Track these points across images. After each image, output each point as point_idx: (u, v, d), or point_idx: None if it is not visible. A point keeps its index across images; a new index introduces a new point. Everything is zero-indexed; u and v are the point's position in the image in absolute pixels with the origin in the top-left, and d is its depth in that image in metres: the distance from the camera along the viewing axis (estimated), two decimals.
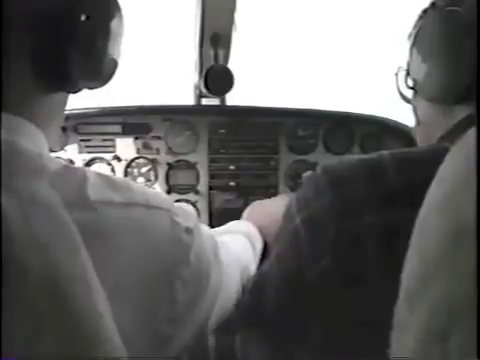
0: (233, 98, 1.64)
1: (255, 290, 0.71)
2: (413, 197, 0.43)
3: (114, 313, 0.44)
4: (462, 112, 0.70)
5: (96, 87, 0.61)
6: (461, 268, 0.29)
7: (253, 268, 0.92)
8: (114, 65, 0.61)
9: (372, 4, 1.50)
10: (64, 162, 0.51)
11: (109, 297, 0.45)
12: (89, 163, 1.61)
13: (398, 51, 0.85)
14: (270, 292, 0.67)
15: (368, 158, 0.64)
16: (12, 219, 0.38)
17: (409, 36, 0.79)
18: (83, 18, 0.52)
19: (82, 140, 1.60)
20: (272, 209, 1.21)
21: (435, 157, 0.40)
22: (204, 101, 1.69)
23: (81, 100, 0.64)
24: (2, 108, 0.47)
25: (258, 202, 1.28)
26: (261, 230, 1.10)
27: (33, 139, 0.51)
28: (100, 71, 0.58)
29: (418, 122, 0.84)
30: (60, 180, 0.47)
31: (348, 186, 0.62)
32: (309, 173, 0.68)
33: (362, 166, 0.64)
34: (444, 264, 0.31)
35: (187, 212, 0.63)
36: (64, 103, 0.62)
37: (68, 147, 1.59)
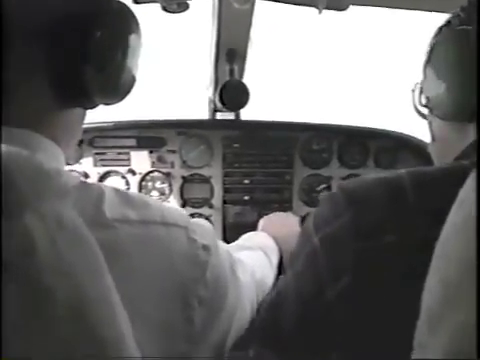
0: (248, 112, 1.64)
1: (271, 307, 0.70)
2: (432, 216, 0.42)
3: (132, 331, 0.44)
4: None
5: (113, 103, 0.60)
6: None
7: (270, 283, 0.91)
8: (132, 80, 0.61)
9: (388, 19, 1.50)
10: (80, 177, 0.51)
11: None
12: (104, 176, 1.62)
13: (414, 66, 0.85)
14: (287, 310, 0.66)
15: (386, 177, 0.64)
16: (39, 244, 0.38)
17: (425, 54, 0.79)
18: (100, 34, 0.51)
19: (97, 153, 1.61)
20: (288, 220, 1.23)
21: (453, 176, 0.40)
22: (219, 115, 1.69)
23: (96, 114, 0.64)
24: (20, 124, 0.48)
25: (273, 214, 1.29)
26: (277, 240, 1.10)
27: (53, 156, 0.51)
28: (117, 87, 0.58)
29: (433, 138, 0.83)
30: (77, 197, 0.47)
31: (367, 206, 0.61)
32: (327, 193, 0.67)
33: (380, 185, 0.63)
34: (465, 287, 0.30)
35: (205, 229, 0.62)
36: (82, 118, 0.62)
37: (83, 160, 1.60)
